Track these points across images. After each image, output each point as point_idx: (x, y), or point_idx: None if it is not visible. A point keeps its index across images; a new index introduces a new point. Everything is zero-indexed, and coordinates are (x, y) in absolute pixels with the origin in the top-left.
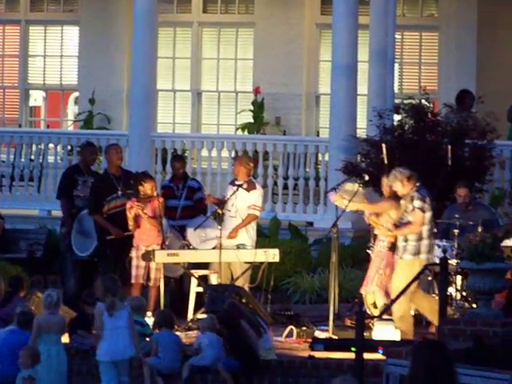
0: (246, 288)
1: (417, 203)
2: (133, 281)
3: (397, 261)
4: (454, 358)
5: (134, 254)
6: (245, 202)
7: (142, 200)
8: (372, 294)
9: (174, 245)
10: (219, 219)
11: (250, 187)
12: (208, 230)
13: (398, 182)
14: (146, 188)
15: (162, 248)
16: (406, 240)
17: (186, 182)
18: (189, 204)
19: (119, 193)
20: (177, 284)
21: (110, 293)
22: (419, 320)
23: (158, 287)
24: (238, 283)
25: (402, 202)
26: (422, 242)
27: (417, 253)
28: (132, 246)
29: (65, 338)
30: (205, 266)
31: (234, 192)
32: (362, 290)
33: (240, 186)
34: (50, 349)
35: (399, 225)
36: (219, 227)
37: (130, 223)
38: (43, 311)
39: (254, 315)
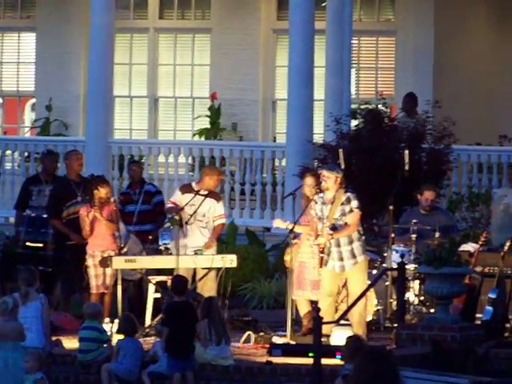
0: (213, 294)
1: (355, 203)
2: (94, 291)
3: (339, 267)
4: (398, 366)
5: (90, 262)
6: (214, 212)
7: (97, 205)
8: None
9: (134, 250)
10: (177, 226)
11: (217, 197)
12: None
13: (333, 177)
14: (102, 192)
15: (119, 254)
16: (350, 242)
17: (143, 187)
18: (146, 208)
19: (79, 199)
20: (135, 289)
21: (24, 283)
22: (378, 325)
23: (112, 293)
24: (206, 290)
25: (314, 202)
26: (363, 242)
27: (364, 251)
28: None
29: None
30: (169, 272)
31: (202, 201)
32: (298, 296)
33: (207, 195)
34: (6, 356)
35: (336, 228)
36: (183, 235)
37: (87, 228)
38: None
39: (221, 322)
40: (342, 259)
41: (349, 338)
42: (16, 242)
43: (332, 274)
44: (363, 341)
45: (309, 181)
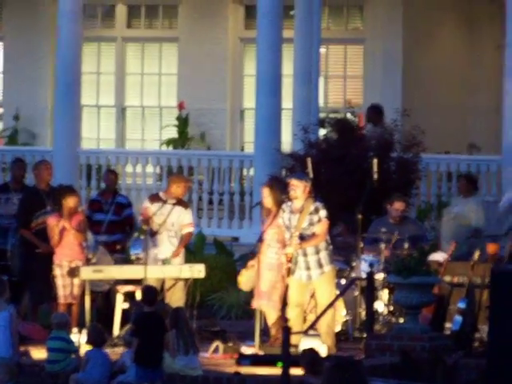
0: (182, 304)
1: (323, 213)
2: (61, 301)
3: (306, 276)
4: (367, 376)
5: (58, 272)
6: (182, 220)
7: (66, 215)
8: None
9: (103, 261)
10: (146, 236)
11: (185, 204)
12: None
13: (302, 186)
14: (70, 202)
15: (87, 264)
16: (317, 252)
17: (115, 198)
18: (116, 219)
19: (48, 208)
20: (103, 300)
21: None
22: (347, 336)
23: (79, 303)
24: (175, 300)
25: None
26: (330, 251)
27: (332, 261)
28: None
29: None
30: (137, 282)
31: (171, 210)
32: (258, 305)
33: (175, 204)
34: None
35: (304, 237)
36: (153, 245)
37: (56, 238)
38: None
39: (190, 332)
40: (308, 268)
41: (304, 352)
42: None
43: (299, 283)
44: (318, 353)
45: (264, 193)
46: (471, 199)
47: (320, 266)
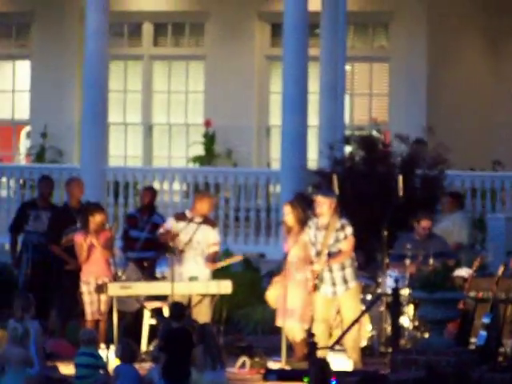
0: (208, 320)
1: (349, 230)
2: (89, 318)
3: (331, 292)
4: None
5: (84, 289)
6: (209, 239)
7: (93, 232)
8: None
9: (132, 278)
10: (172, 254)
11: (212, 223)
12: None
13: (328, 203)
14: (97, 219)
15: (114, 280)
16: (343, 268)
17: (152, 216)
18: (151, 237)
19: (78, 225)
20: (131, 316)
21: (19, 308)
22: (372, 351)
23: (107, 319)
24: (202, 316)
25: (308, 227)
26: (355, 268)
27: (357, 277)
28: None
29: None
30: (164, 298)
31: (197, 229)
32: (283, 323)
33: (201, 222)
34: (15, 382)
35: (331, 254)
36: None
37: (84, 255)
38: (8, 344)
39: (217, 347)
40: (334, 284)
41: (312, 362)
42: (12, 271)
43: (324, 299)
44: (328, 363)
45: (285, 210)
46: (456, 215)
47: (345, 281)
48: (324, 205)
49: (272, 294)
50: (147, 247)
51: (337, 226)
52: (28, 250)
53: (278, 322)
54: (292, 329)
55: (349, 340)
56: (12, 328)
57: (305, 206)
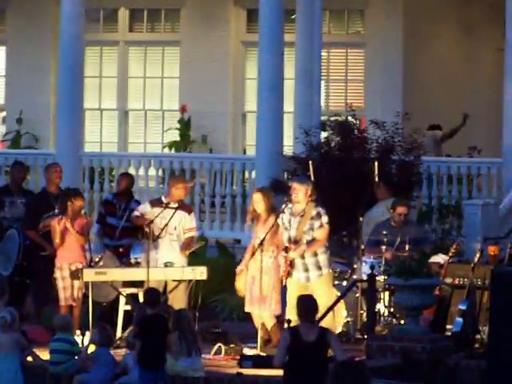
0: (184, 306)
1: (325, 219)
2: (62, 303)
3: (304, 278)
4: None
5: (58, 274)
6: (185, 225)
7: (70, 217)
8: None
9: (109, 265)
10: (146, 240)
11: (189, 209)
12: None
13: (304, 190)
14: (75, 205)
15: (89, 266)
16: (315, 255)
17: (130, 203)
18: (129, 225)
19: (56, 211)
20: (107, 303)
21: None
22: (348, 337)
23: (81, 305)
24: (177, 302)
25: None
26: (328, 255)
27: (330, 264)
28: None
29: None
30: (140, 284)
31: (173, 214)
32: (252, 309)
33: (177, 208)
34: (3, 368)
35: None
36: (154, 249)
37: (58, 238)
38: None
39: (192, 334)
40: (307, 270)
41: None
42: None
43: (298, 285)
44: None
45: (256, 197)
46: (383, 203)
47: (318, 268)
48: (300, 192)
49: (240, 283)
50: (124, 235)
51: (312, 214)
52: (18, 236)
53: (247, 308)
54: (261, 315)
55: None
56: (1, 316)
57: (273, 194)
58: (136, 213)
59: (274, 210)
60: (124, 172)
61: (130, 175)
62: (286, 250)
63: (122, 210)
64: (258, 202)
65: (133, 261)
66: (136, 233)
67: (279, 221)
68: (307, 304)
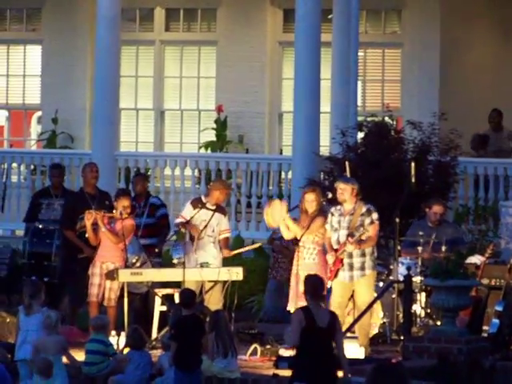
0: (220, 307)
1: (375, 215)
2: (90, 299)
3: (348, 277)
4: (410, 380)
5: (90, 270)
6: (221, 226)
7: (116, 216)
8: None
9: (143, 265)
10: (186, 240)
11: (224, 211)
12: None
13: (350, 189)
14: (119, 203)
15: (126, 266)
16: (363, 255)
17: (148, 200)
18: (150, 222)
19: (93, 211)
20: (141, 303)
21: (28, 295)
22: (384, 338)
23: (117, 306)
24: (213, 302)
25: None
26: (375, 258)
27: (374, 266)
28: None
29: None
30: (175, 284)
31: (212, 216)
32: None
33: (215, 210)
34: (57, 371)
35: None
36: (193, 249)
37: (88, 232)
38: (43, 332)
39: (229, 335)
40: (351, 269)
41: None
42: (22, 254)
43: (342, 285)
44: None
45: (309, 197)
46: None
47: (362, 268)
48: (345, 191)
49: (269, 215)
50: (148, 233)
51: (362, 211)
52: (37, 236)
53: (290, 307)
54: None
55: (359, 327)
56: (46, 316)
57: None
58: (180, 219)
59: (322, 210)
60: (138, 173)
61: (145, 176)
62: (336, 251)
63: (141, 207)
64: (312, 202)
65: (176, 261)
66: (160, 231)
67: (327, 226)
68: (315, 282)
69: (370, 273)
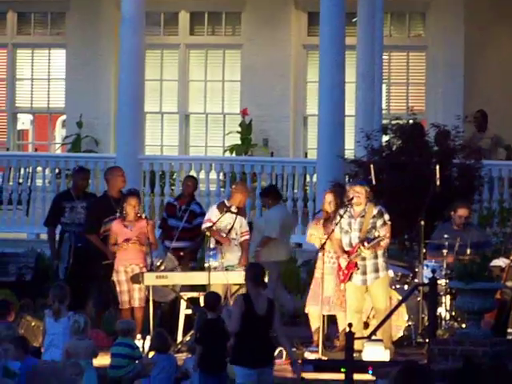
0: None
1: (387, 216)
2: (122, 307)
3: (361, 280)
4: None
5: (115, 278)
6: (242, 229)
7: (128, 219)
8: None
9: (170, 267)
10: (209, 242)
11: (244, 213)
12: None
13: (365, 192)
14: (128, 204)
15: (151, 270)
16: (376, 257)
17: (190, 205)
18: (187, 226)
19: (117, 215)
20: (167, 306)
21: (56, 299)
22: (410, 341)
23: (144, 307)
24: None
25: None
26: (387, 259)
27: (388, 267)
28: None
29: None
30: (202, 288)
31: (236, 218)
32: (316, 310)
33: (237, 213)
34: (90, 375)
35: (369, 240)
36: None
37: (112, 239)
38: (71, 337)
39: None
40: (365, 273)
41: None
42: (48, 261)
43: (356, 288)
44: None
45: (328, 198)
46: (270, 210)
47: (376, 270)
48: (361, 194)
49: (313, 234)
50: (184, 236)
51: (374, 213)
52: (69, 239)
53: (307, 309)
54: (320, 316)
55: (381, 330)
56: (73, 321)
57: (342, 195)
58: (207, 224)
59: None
60: (189, 175)
61: (195, 178)
62: (348, 253)
63: (182, 211)
64: (330, 202)
65: (212, 266)
66: (196, 235)
67: (336, 229)
68: (256, 270)
69: (384, 275)
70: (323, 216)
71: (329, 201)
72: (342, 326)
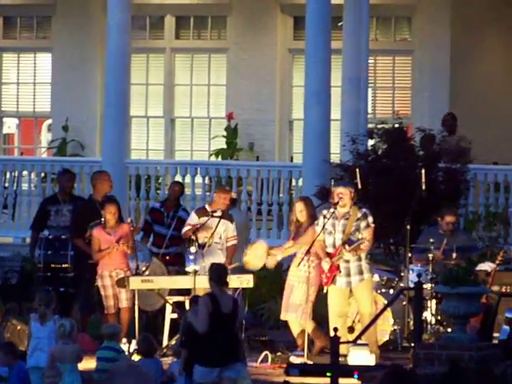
0: None
1: (371, 219)
2: (107, 311)
3: (345, 283)
4: None
5: (99, 283)
6: (227, 233)
7: (109, 226)
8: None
9: (156, 273)
10: (192, 246)
11: (230, 219)
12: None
13: (349, 193)
14: (108, 212)
15: (136, 274)
16: (359, 259)
17: (177, 212)
18: (176, 234)
19: (102, 219)
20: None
21: (42, 303)
22: (395, 345)
23: (130, 309)
24: None
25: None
26: (370, 261)
27: (371, 269)
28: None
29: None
30: (188, 292)
31: (218, 223)
32: (286, 317)
33: (221, 217)
34: (67, 380)
35: (352, 242)
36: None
37: (95, 246)
38: (57, 341)
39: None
40: (349, 275)
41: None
42: (33, 265)
43: (339, 292)
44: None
45: (298, 207)
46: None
47: (360, 272)
48: (346, 195)
49: (250, 256)
50: (172, 243)
51: (358, 215)
52: (51, 247)
53: (283, 316)
54: (299, 322)
55: (366, 335)
56: (59, 325)
57: (322, 202)
58: (187, 227)
59: (315, 219)
60: (176, 180)
61: (181, 184)
62: (330, 256)
63: (169, 218)
64: (301, 211)
65: (191, 270)
66: (183, 241)
67: (318, 228)
68: (219, 269)
69: (368, 277)
70: (294, 225)
71: (300, 209)
72: (309, 328)
